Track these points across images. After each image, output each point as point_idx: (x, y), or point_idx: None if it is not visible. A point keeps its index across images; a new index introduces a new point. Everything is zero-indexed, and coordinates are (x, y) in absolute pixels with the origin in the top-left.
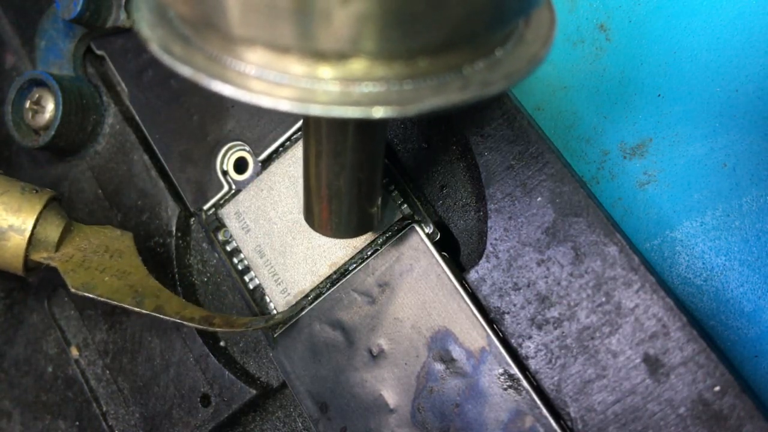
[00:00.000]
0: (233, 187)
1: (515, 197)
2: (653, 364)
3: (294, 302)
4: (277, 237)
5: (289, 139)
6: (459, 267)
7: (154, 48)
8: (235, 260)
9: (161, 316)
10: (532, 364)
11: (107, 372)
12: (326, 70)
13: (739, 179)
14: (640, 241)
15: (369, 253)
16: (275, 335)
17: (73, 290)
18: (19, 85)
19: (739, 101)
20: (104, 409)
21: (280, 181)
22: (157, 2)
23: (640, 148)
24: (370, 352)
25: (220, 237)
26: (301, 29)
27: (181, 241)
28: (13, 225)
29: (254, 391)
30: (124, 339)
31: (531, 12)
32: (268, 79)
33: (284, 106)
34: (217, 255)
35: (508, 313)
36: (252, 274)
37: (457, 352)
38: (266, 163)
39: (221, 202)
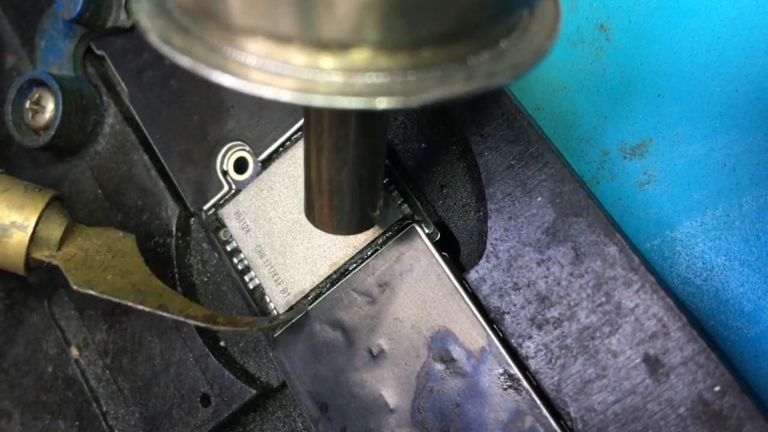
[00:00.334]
0: (233, 187)
1: (515, 197)
2: (653, 364)
3: (294, 302)
4: (277, 237)
5: (289, 139)
6: (459, 267)
7: (153, 39)
8: (235, 260)
9: (164, 314)
10: (532, 364)
11: (107, 372)
12: (328, 61)
13: (739, 179)
14: (640, 241)
15: (369, 253)
16: (275, 335)
17: (75, 287)
18: (19, 85)
19: (739, 101)
20: (104, 409)
21: (280, 181)
22: None
23: (640, 148)
24: (370, 352)
25: (220, 237)
26: (303, 18)
27: (181, 241)
28: (15, 222)
29: (254, 391)
30: (124, 339)
31: (535, 3)
32: (269, 69)
33: (286, 96)
34: (217, 255)
35: (508, 313)
36: (252, 274)
37: (457, 352)
38: (266, 163)
39: (221, 202)
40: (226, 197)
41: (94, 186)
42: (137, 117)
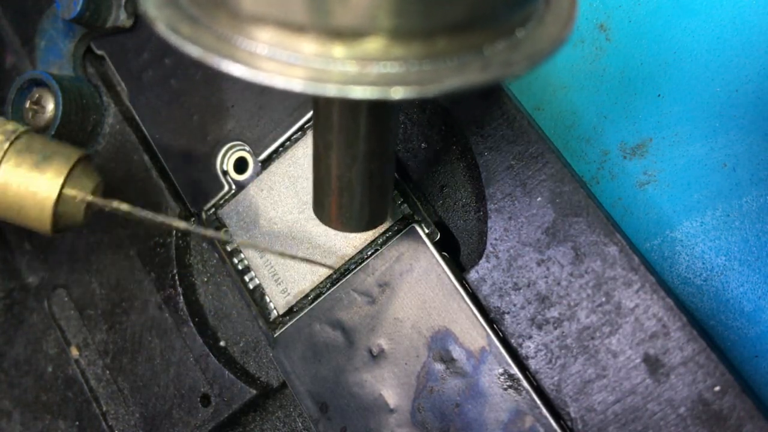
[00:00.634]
0: (233, 187)
1: (515, 197)
2: (653, 364)
3: (294, 302)
4: (277, 237)
5: (289, 139)
6: (459, 267)
7: (161, 28)
8: (235, 260)
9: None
10: (532, 364)
11: (107, 372)
12: (341, 50)
13: (739, 179)
14: (640, 241)
15: (369, 253)
16: (275, 335)
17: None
18: (19, 85)
19: (739, 101)
20: (104, 409)
21: (280, 181)
22: None
23: (640, 148)
24: (370, 352)
25: (221, 237)
26: (316, 5)
27: (181, 241)
28: (41, 180)
29: (254, 391)
30: (124, 339)
31: None
32: (280, 59)
33: (298, 86)
34: (217, 255)
35: (508, 313)
36: (252, 274)
37: (457, 352)
38: (266, 163)
39: (221, 202)
40: (226, 197)
41: None
42: (137, 117)
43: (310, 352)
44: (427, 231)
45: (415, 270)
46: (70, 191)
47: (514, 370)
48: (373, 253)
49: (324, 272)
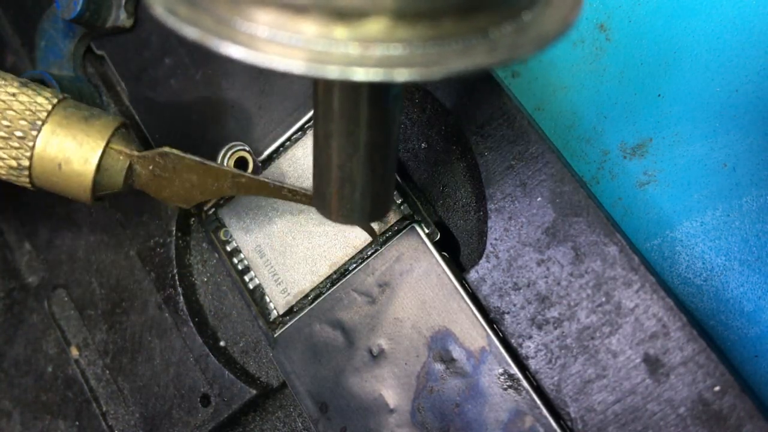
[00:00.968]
0: None
1: (515, 197)
2: (653, 364)
3: (294, 302)
4: (277, 237)
5: (289, 139)
6: (459, 267)
7: (159, 11)
8: (235, 260)
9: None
10: (532, 364)
11: (107, 372)
12: (344, 31)
13: (739, 179)
14: (640, 241)
15: (369, 253)
16: (275, 335)
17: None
18: None
19: (739, 101)
20: (104, 409)
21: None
22: None
23: (640, 148)
24: (370, 352)
25: (220, 237)
26: None
27: (181, 241)
28: (78, 150)
29: (254, 391)
30: (124, 339)
31: None
32: (281, 41)
33: (299, 68)
34: (217, 255)
35: (508, 313)
36: (252, 274)
37: (457, 352)
38: (266, 163)
39: (221, 202)
40: (226, 197)
41: None
42: (137, 117)
43: (310, 352)
44: (427, 231)
45: (415, 270)
46: (115, 146)
47: (514, 370)
48: (373, 253)
49: (324, 272)
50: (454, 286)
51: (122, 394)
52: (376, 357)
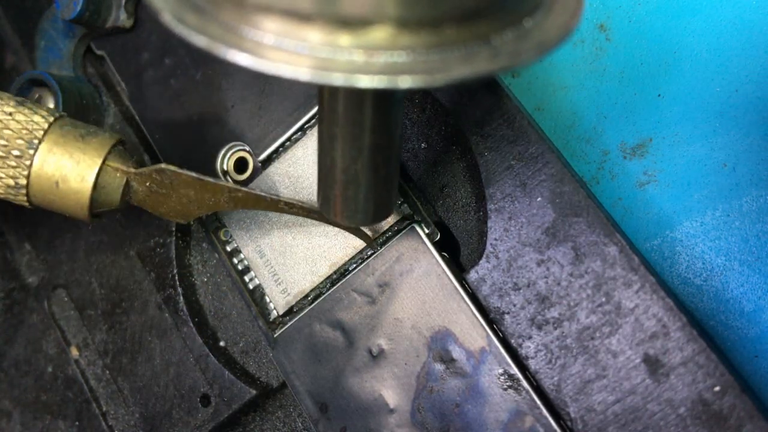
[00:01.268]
0: None
1: (515, 197)
2: (653, 364)
3: (294, 302)
4: (277, 237)
5: (289, 139)
6: (459, 267)
7: (167, 18)
8: (235, 260)
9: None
10: (532, 364)
11: (107, 372)
12: (348, 39)
13: (739, 179)
14: (640, 241)
15: (369, 253)
16: (275, 335)
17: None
18: (19, 85)
19: (739, 101)
20: (104, 409)
21: (280, 181)
22: None
23: (640, 148)
24: (370, 352)
25: (220, 237)
26: None
27: (181, 241)
28: (75, 169)
29: (254, 391)
30: (124, 339)
31: None
32: (286, 48)
33: (305, 75)
34: (217, 255)
35: (508, 313)
36: (252, 274)
37: (457, 352)
38: (266, 163)
39: None
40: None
41: None
42: (137, 117)
43: (310, 353)
44: (427, 231)
45: (415, 270)
46: (112, 163)
47: (514, 370)
48: (373, 254)
49: (324, 272)
50: (454, 287)
51: (122, 394)
52: (376, 357)
